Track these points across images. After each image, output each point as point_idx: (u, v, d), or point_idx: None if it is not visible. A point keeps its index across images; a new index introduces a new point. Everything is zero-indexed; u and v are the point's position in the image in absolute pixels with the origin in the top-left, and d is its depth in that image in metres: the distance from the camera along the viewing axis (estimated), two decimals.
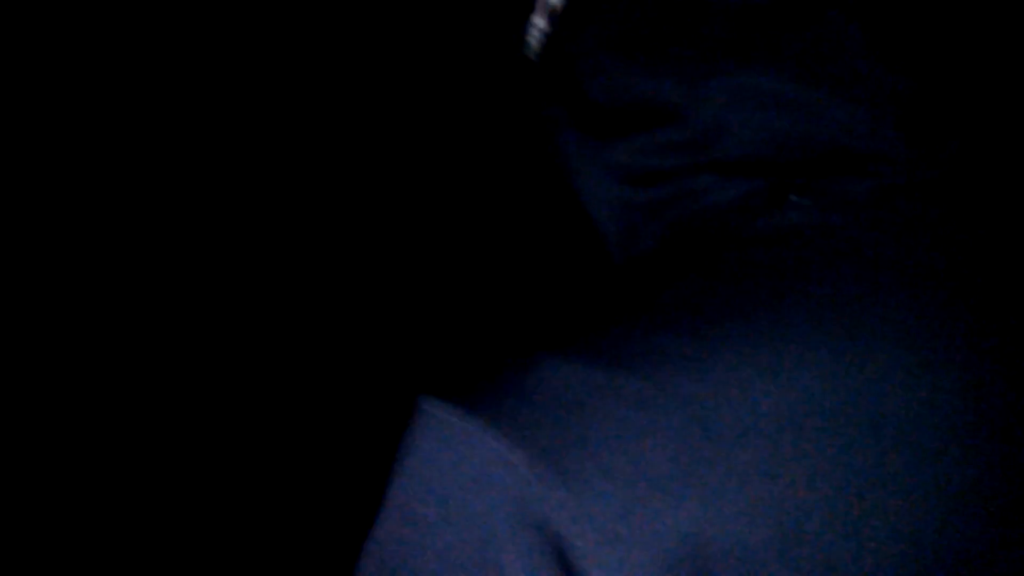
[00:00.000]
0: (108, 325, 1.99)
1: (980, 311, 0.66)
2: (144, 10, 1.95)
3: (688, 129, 0.69)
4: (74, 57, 2.01)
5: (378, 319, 2.04)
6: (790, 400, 0.60)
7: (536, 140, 0.78)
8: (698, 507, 0.58)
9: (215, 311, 2.02)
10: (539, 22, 0.78)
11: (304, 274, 2.02)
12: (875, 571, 0.60)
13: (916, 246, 0.67)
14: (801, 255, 0.65)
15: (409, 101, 2.12)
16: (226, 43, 1.96)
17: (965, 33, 0.72)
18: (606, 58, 0.72)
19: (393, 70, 2.09)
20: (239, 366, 2.03)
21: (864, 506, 0.60)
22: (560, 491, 0.58)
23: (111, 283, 2.02)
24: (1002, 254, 0.70)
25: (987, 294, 0.67)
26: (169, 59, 1.98)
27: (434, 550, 0.60)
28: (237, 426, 1.99)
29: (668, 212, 0.71)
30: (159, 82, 1.97)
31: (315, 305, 2.01)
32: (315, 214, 2.05)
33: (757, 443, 0.59)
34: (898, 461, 0.61)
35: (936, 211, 0.69)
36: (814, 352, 0.61)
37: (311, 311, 2.01)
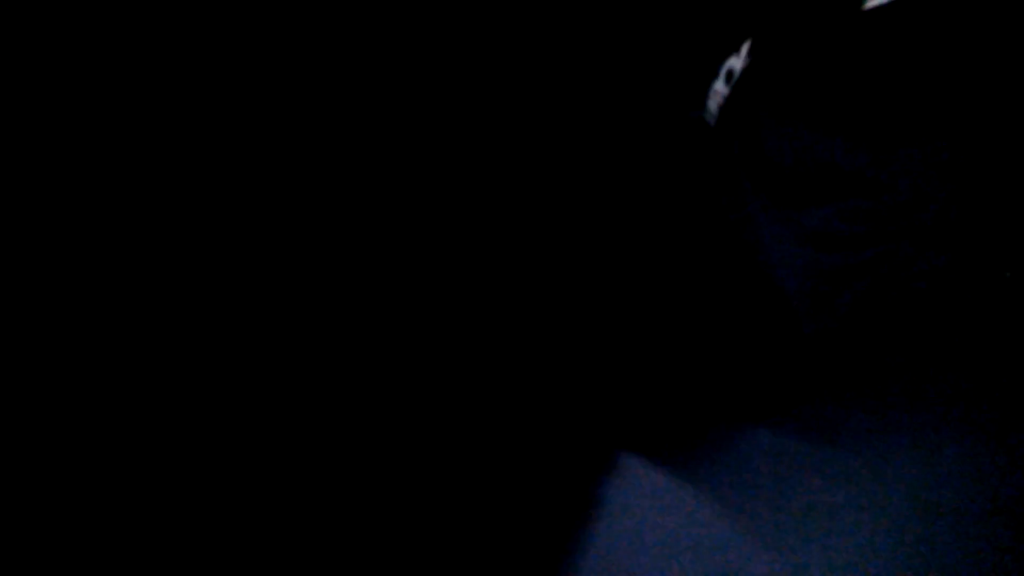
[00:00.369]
0: (107, 324, 1.94)
1: None
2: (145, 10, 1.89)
3: (885, 197, 0.69)
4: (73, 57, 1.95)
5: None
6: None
7: (713, 205, 0.77)
8: None
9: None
10: (719, 86, 0.77)
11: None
12: None
13: None
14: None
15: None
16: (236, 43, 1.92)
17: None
18: (793, 124, 0.71)
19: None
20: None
21: None
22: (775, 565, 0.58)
23: (110, 283, 1.97)
24: None
25: None
26: (168, 59, 1.92)
27: None
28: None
29: (863, 279, 0.71)
30: (157, 82, 1.92)
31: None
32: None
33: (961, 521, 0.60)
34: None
35: None
36: None
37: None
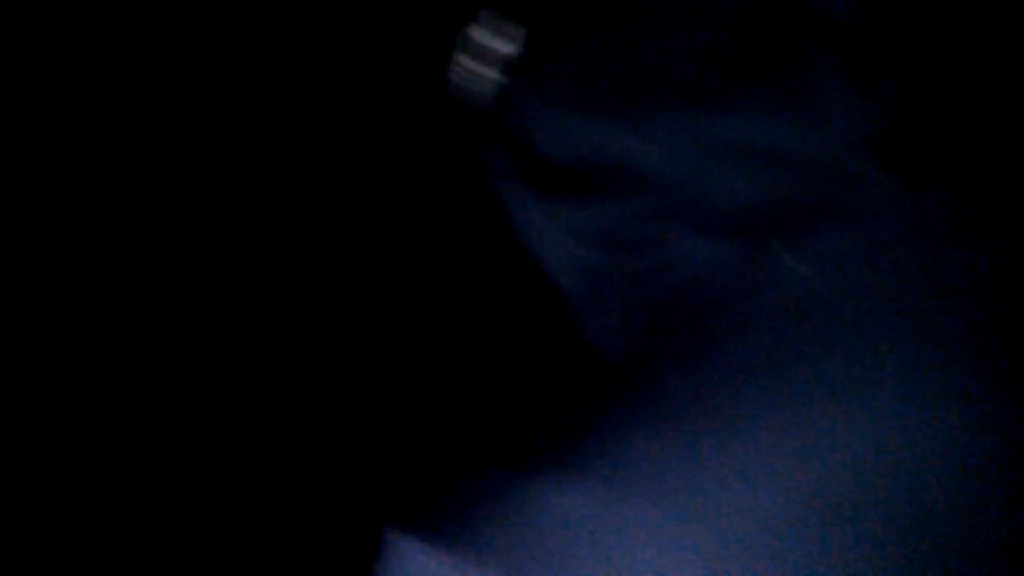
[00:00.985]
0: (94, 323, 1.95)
1: (970, 353, 0.62)
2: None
3: (657, 187, 0.64)
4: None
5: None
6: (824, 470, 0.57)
7: (484, 200, 0.73)
8: None
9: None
10: (491, 72, 0.72)
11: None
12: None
13: (914, 299, 0.63)
14: (801, 329, 0.61)
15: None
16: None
17: (942, 56, 0.67)
18: (563, 112, 0.66)
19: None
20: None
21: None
22: None
23: (104, 282, 1.98)
24: (997, 282, 0.65)
25: (982, 331, 0.63)
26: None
27: None
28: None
29: (641, 280, 0.66)
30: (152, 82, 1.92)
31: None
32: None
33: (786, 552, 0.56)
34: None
35: (925, 253, 0.64)
36: (829, 445, 0.58)
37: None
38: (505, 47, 0.71)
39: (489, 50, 0.71)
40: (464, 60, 0.72)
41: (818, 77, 0.63)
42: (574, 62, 0.66)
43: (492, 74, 0.71)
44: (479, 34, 0.72)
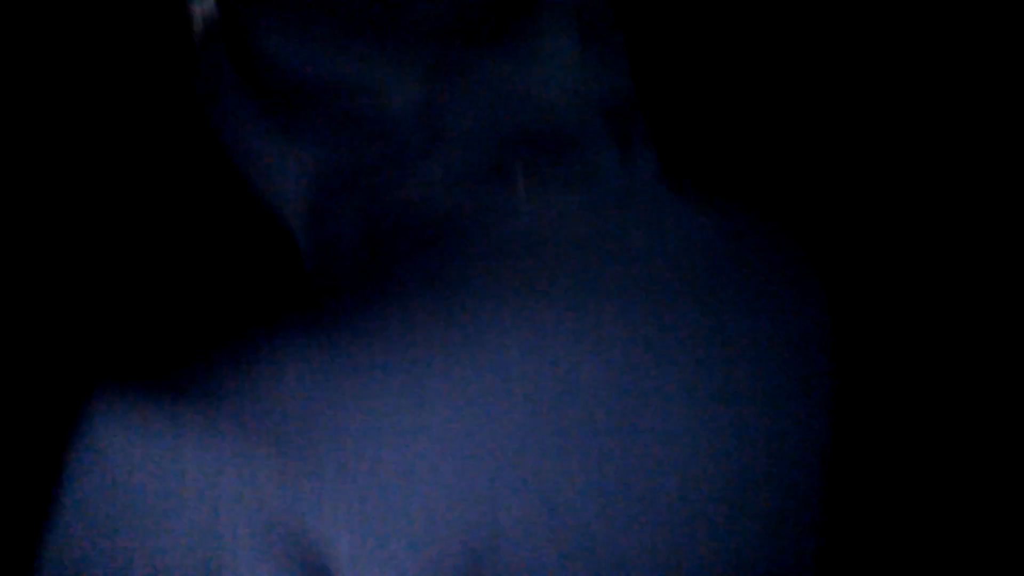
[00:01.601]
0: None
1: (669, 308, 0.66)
2: None
3: (400, 114, 0.64)
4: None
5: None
6: (495, 383, 0.58)
7: (205, 130, 0.71)
8: (469, 502, 0.57)
9: None
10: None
11: None
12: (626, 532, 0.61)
13: (620, 257, 0.66)
14: (518, 265, 0.63)
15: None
16: None
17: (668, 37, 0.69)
18: (286, 40, 0.65)
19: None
20: None
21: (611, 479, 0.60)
22: (312, 489, 0.54)
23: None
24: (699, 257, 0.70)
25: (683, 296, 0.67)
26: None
27: (144, 552, 0.54)
28: None
29: (372, 198, 0.66)
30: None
31: None
32: None
33: (502, 428, 0.58)
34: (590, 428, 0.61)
35: (634, 219, 0.68)
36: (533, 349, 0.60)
37: None
38: None
39: None
40: None
41: (551, 30, 0.66)
42: None
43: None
44: None
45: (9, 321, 1.80)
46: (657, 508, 0.63)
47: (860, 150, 1.91)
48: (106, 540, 0.55)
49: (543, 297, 0.62)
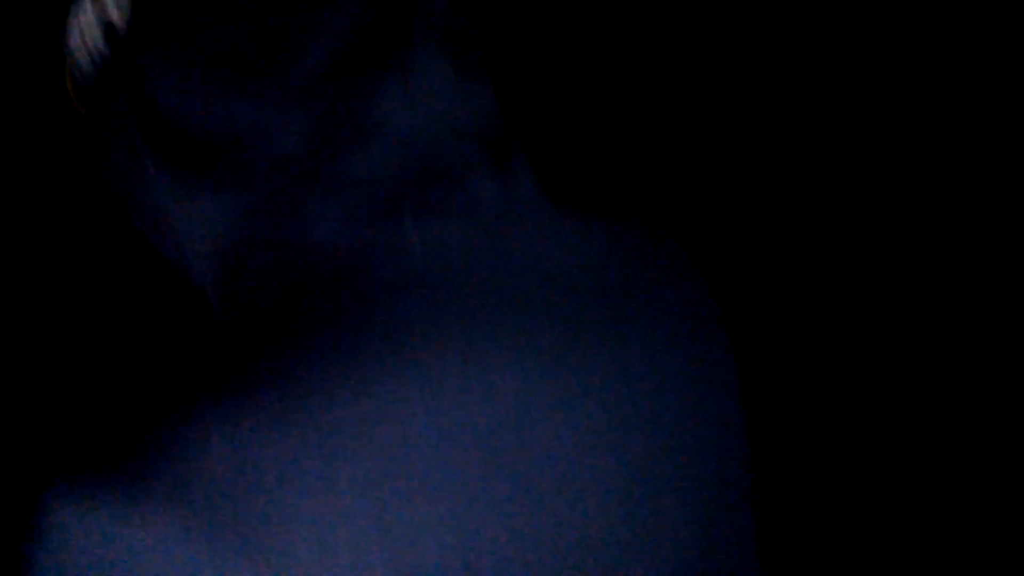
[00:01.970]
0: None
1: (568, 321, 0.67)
2: None
3: (294, 160, 0.65)
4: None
5: None
6: (440, 429, 0.59)
7: (103, 178, 0.70)
8: (392, 556, 0.57)
9: None
10: (90, 40, 0.69)
11: None
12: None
13: (504, 273, 0.67)
14: (413, 302, 0.63)
15: None
16: None
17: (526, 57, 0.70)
18: (178, 90, 0.65)
19: None
20: None
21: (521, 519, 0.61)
22: (247, 568, 0.55)
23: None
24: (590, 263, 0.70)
25: (575, 305, 0.68)
26: None
27: None
28: None
29: (275, 247, 0.66)
30: None
31: None
32: None
33: (424, 474, 0.58)
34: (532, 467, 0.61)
35: (515, 241, 0.68)
36: (447, 383, 0.61)
37: None
38: (113, 11, 0.68)
39: (96, 16, 0.69)
40: (76, 25, 0.71)
41: (424, 65, 0.67)
42: (193, 30, 0.65)
43: (95, 43, 0.69)
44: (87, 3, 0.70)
45: None
46: (565, 545, 0.63)
47: (733, 154, 1.88)
48: None
49: (439, 335, 0.62)
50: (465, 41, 0.69)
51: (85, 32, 0.70)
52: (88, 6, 0.70)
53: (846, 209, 1.96)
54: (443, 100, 0.67)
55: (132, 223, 0.72)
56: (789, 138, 1.92)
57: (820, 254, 1.95)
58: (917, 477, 1.98)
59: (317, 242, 0.65)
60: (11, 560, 0.57)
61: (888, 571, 1.96)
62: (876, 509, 1.98)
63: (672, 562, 0.67)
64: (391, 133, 0.65)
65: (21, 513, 0.58)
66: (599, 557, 0.64)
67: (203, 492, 0.55)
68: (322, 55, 0.64)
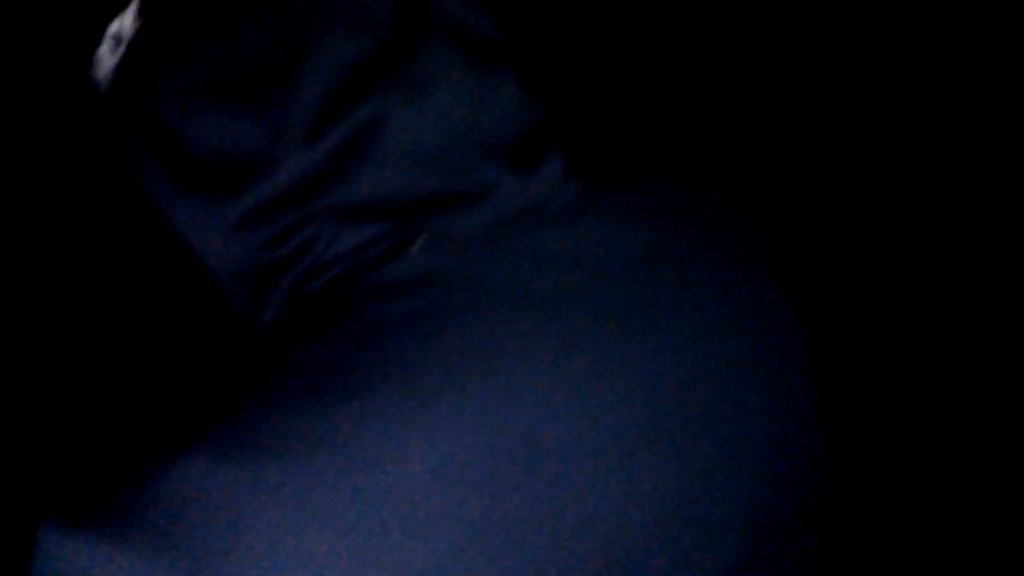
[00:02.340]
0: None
1: (609, 328, 0.65)
2: None
3: (297, 177, 0.65)
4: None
5: None
6: (445, 455, 0.58)
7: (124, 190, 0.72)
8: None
9: None
10: (105, 52, 0.70)
11: None
12: None
13: (536, 273, 0.66)
14: (430, 303, 0.63)
15: None
16: None
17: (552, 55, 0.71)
18: (198, 101, 0.65)
19: None
20: None
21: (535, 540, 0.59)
22: None
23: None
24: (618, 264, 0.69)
25: (613, 309, 0.66)
26: None
27: None
28: None
29: (290, 270, 0.67)
30: None
31: None
32: None
33: (425, 506, 0.57)
34: (557, 492, 0.60)
35: (549, 232, 0.68)
36: (459, 402, 0.60)
37: None
38: (120, 23, 0.70)
39: (120, 35, 0.70)
40: (106, 48, 0.72)
41: (437, 73, 0.66)
42: (208, 46, 0.66)
43: (109, 53, 0.70)
44: (118, 22, 0.71)
45: None
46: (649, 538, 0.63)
47: (796, 143, 1.90)
48: None
49: (481, 349, 0.62)
50: (483, 43, 0.69)
51: (107, 46, 0.71)
52: (117, 26, 0.71)
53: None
54: (459, 111, 0.67)
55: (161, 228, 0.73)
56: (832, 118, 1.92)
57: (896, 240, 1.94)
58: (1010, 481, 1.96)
59: (333, 261, 0.66)
60: None
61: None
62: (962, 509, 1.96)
63: (742, 555, 0.67)
64: (404, 151, 0.65)
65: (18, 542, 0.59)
66: (671, 548, 0.64)
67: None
68: (331, 73, 0.64)
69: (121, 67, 0.69)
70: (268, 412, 0.58)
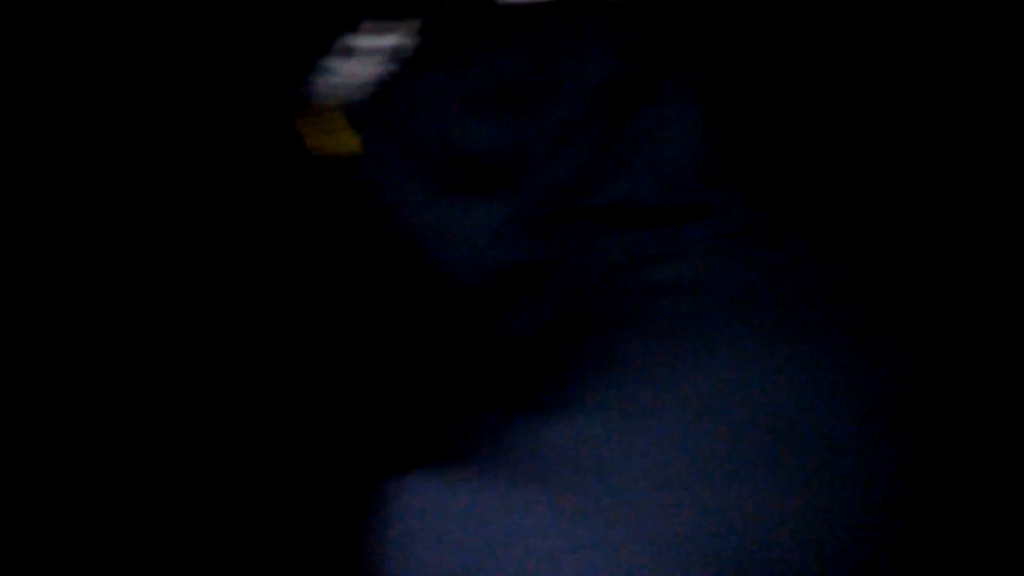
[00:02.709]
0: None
1: (814, 331, 0.71)
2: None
3: (574, 185, 0.71)
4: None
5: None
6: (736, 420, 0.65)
7: (361, 200, 0.74)
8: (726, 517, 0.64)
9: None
10: (372, 72, 0.75)
11: None
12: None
13: (759, 283, 0.72)
14: (695, 307, 0.69)
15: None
16: None
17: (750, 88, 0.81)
18: (470, 110, 0.70)
19: None
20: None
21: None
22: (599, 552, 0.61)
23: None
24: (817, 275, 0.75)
25: (821, 314, 0.72)
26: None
27: None
28: None
29: (569, 270, 0.72)
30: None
31: None
32: None
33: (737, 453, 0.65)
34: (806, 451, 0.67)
35: (761, 251, 0.74)
36: (734, 381, 0.66)
37: None
38: (389, 44, 0.75)
39: (374, 50, 0.75)
40: (347, 66, 0.76)
41: (671, 111, 0.74)
42: (478, 64, 0.72)
43: (373, 73, 0.75)
44: (363, 38, 0.76)
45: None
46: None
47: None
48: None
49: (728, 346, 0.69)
50: (706, 82, 0.75)
51: (358, 65, 0.76)
52: (364, 43, 0.76)
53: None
54: (688, 136, 0.74)
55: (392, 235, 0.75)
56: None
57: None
58: None
59: (606, 255, 0.71)
60: (360, 548, 0.61)
61: None
62: None
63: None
64: (655, 163, 0.72)
65: (369, 505, 0.65)
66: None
67: (549, 469, 0.63)
68: (587, 90, 0.71)
69: (388, 79, 0.74)
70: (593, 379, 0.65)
